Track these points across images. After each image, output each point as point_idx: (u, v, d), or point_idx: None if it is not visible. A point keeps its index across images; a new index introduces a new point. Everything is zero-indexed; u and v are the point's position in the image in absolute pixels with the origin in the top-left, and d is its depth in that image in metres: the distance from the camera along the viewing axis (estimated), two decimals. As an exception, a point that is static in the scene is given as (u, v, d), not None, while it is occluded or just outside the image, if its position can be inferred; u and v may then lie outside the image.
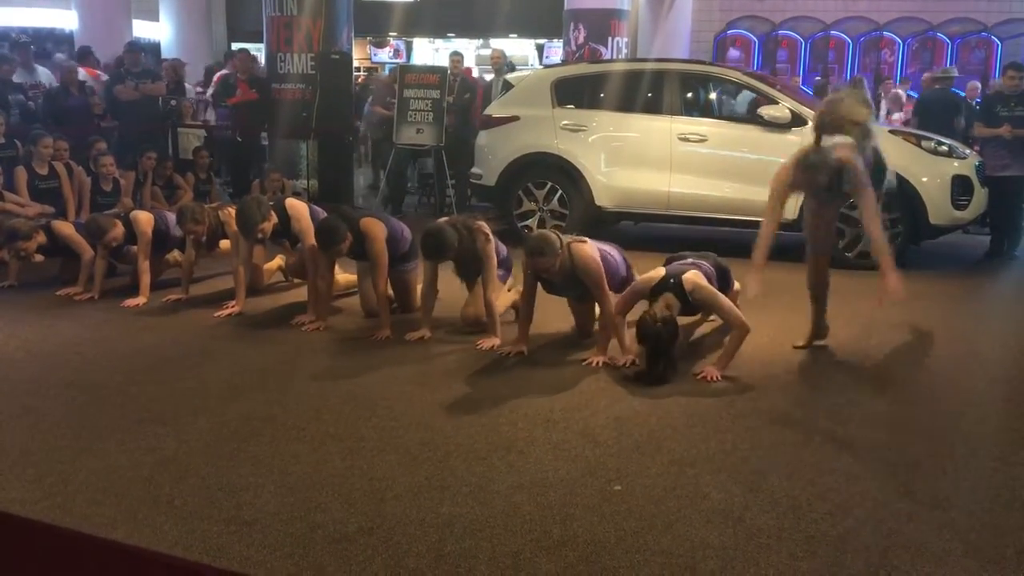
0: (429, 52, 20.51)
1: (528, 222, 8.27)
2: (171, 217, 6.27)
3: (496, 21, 17.87)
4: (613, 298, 4.77)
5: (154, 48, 15.02)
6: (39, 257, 6.16)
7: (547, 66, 14.26)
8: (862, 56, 16.18)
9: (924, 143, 7.42)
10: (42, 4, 15.11)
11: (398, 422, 3.84)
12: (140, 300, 5.81)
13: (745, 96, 8.78)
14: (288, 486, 3.21)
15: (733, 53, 16.58)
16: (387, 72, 13.04)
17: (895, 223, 7.30)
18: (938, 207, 7.27)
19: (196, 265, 6.16)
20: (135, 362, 4.66)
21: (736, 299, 5.07)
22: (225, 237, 6.02)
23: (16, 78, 9.12)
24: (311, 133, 9.66)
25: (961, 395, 4.39)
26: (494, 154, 8.56)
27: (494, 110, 8.81)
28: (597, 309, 4.97)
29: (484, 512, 3.03)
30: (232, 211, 5.72)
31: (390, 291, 5.49)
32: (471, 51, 18.91)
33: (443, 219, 5.22)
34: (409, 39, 20.70)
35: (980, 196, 7.49)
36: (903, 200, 7.27)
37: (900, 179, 7.25)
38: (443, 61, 13.95)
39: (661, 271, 4.68)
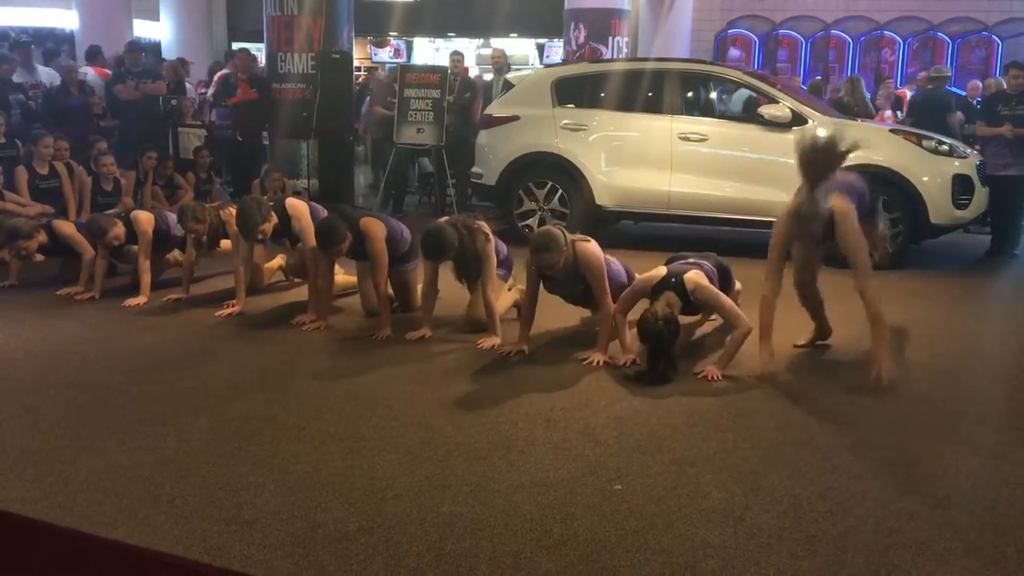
0: (430, 52, 20.52)
1: (529, 221, 8.27)
2: (172, 217, 6.27)
3: (496, 21, 17.87)
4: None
5: (155, 48, 15.02)
6: (40, 256, 6.16)
7: (547, 65, 14.26)
8: (863, 55, 16.17)
9: (925, 142, 7.42)
10: (42, 4, 15.11)
11: (399, 421, 3.84)
12: (141, 300, 5.82)
13: (740, 95, 8.80)
14: (289, 485, 3.21)
15: (734, 52, 16.58)
16: (385, 72, 12.99)
17: (896, 222, 7.32)
18: (939, 206, 7.27)
19: (197, 265, 6.16)
20: (136, 361, 4.67)
21: (737, 298, 5.08)
22: (226, 237, 6.02)
23: (16, 78, 9.12)
24: (311, 132, 9.66)
25: (961, 394, 4.39)
26: (494, 153, 8.56)
27: (494, 109, 8.81)
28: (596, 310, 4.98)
29: (485, 511, 3.03)
30: (233, 211, 5.72)
31: (390, 291, 5.49)
32: (471, 51, 18.91)
33: (443, 219, 5.22)
34: (409, 39, 20.71)
35: (981, 195, 7.49)
36: (904, 199, 7.28)
37: (901, 178, 7.29)
38: (444, 61, 13.95)
39: (663, 270, 4.68)
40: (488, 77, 11.17)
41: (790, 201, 4.55)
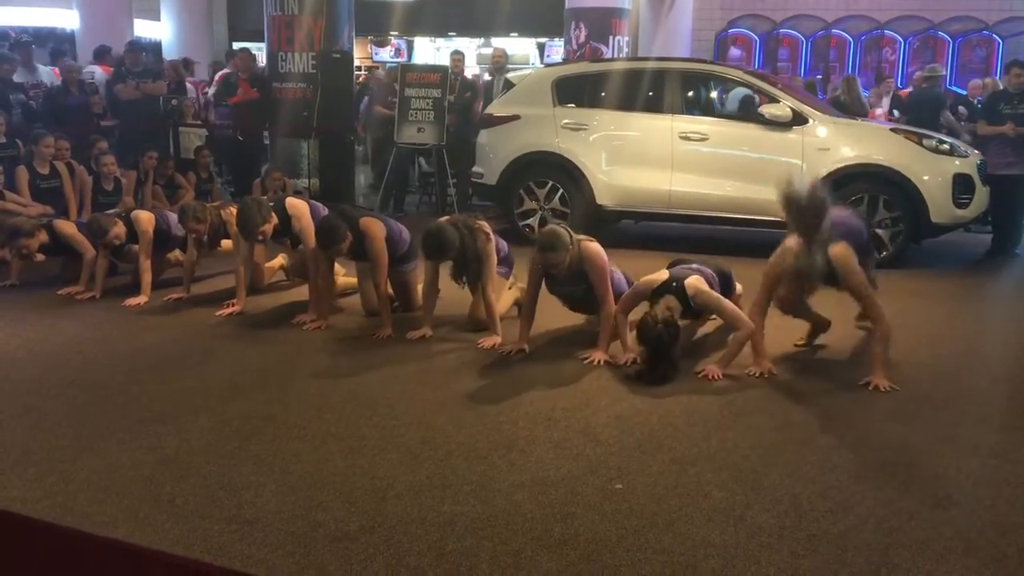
0: (430, 51, 20.52)
1: (529, 221, 8.27)
2: (172, 216, 6.27)
3: (497, 20, 17.87)
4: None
5: (155, 47, 15.02)
6: (41, 256, 6.17)
7: (548, 65, 14.26)
8: (863, 55, 16.17)
9: (925, 142, 7.42)
10: (43, 3, 15.11)
11: (399, 421, 3.84)
12: (141, 299, 5.82)
13: (736, 93, 8.80)
14: (289, 485, 3.21)
15: (734, 52, 16.58)
16: (385, 71, 12.98)
17: (897, 221, 7.32)
18: (939, 205, 7.27)
19: (197, 264, 6.16)
20: (136, 361, 4.67)
21: (739, 302, 5.06)
22: (227, 236, 6.03)
23: (17, 78, 9.12)
24: (312, 132, 9.66)
25: (962, 394, 4.38)
26: (495, 153, 8.56)
27: (495, 109, 8.80)
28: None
29: (485, 510, 3.03)
30: (234, 210, 5.73)
31: (390, 290, 5.49)
32: (472, 50, 18.91)
33: (444, 218, 5.22)
34: (410, 38, 20.72)
35: (981, 194, 7.49)
36: (904, 198, 7.28)
37: (901, 177, 7.29)
38: (444, 60, 13.95)
39: (664, 274, 4.68)
40: (488, 78, 11.15)
41: (784, 246, 4.51)
